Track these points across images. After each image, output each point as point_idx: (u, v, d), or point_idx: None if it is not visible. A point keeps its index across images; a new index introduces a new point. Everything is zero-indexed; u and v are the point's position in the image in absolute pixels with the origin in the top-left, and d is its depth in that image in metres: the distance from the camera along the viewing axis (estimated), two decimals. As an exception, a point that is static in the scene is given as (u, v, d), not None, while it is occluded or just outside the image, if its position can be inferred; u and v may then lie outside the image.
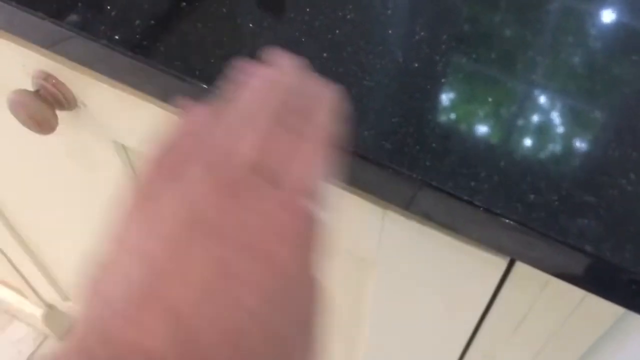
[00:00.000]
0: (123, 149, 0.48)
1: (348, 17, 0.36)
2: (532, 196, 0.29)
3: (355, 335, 0.51)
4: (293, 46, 0.35)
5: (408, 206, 0.32)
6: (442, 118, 0.32)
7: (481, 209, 0.29)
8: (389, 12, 0.37)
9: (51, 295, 0.98)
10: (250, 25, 0.36)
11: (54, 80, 0.43)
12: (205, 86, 0.33)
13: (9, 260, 0.92)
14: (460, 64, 0.35)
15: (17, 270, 0.94)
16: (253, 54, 0.34)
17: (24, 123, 0.44)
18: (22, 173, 0.63)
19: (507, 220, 0.29)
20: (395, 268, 0.39)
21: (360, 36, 0.36)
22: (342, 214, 0.38)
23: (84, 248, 0.75)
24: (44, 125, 0.43)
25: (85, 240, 0.70)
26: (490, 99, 0.33)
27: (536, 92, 0.34)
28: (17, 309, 1.09)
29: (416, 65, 0.34)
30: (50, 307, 1.07)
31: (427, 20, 0.37)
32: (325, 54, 0.35)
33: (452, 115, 0.32)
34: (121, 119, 0.43)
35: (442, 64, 0.34)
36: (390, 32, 0.36)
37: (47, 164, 0.58)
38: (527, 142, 0.31)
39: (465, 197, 0.29)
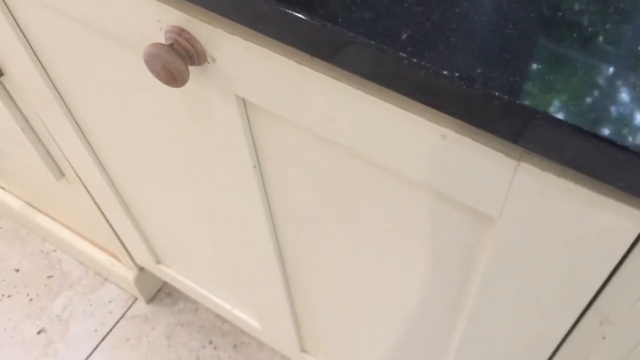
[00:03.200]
0: (244, 104, 0.50)
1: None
2: (688, 143, 0.29)
3: (461, 296, 0.52)
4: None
5: (548, 153, 0.32)
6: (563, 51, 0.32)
7: (631, 152, 0.29)
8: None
9: (143, 258, 1.02)
10: (388, -24, 0.37)
11: (187, 35, 0.45)
12: (347, 32, 0.34)
13: (110, 224, 0.97)
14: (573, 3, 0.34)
15: (115, 233, 0.99)
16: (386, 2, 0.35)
17: (157, 75, 0.46)
18: (138, 131, 0.67)
19: (661, 166, 0.28)
20: (520, 224, 0.39)
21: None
22: (468, 167, 0.38)
23: (179, 210, 0.78)
24: (177, 77, 0.45)
25: (184, 202, 0.73)
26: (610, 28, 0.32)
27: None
28: (109, 271, 1.15)
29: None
30: (141, 270, 1.12)
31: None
32: None
33: (573, 51, 0.32)
34: (248, 73, 0.45)
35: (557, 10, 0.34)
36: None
37: (166, 117, 0.60)
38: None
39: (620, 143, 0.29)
